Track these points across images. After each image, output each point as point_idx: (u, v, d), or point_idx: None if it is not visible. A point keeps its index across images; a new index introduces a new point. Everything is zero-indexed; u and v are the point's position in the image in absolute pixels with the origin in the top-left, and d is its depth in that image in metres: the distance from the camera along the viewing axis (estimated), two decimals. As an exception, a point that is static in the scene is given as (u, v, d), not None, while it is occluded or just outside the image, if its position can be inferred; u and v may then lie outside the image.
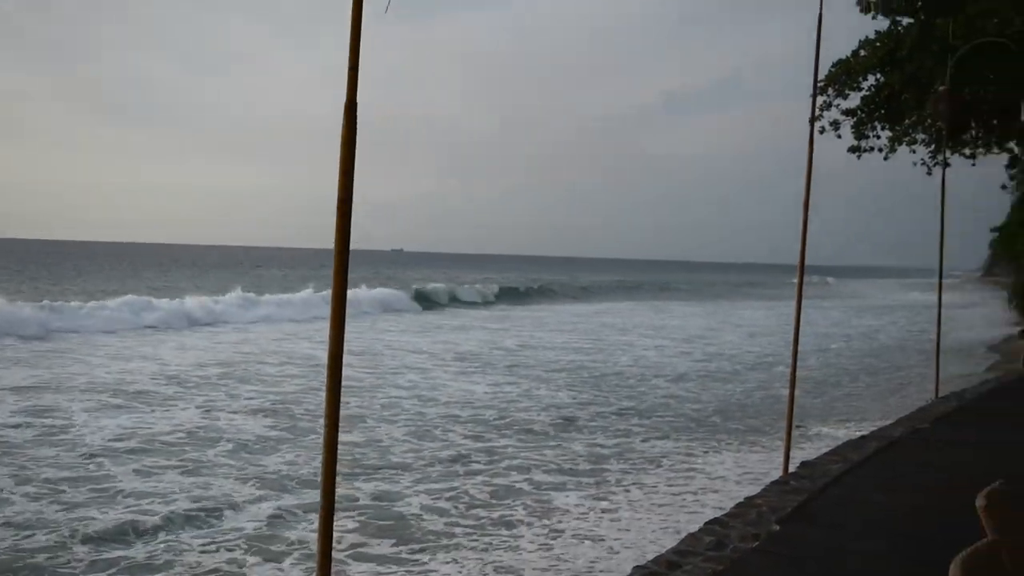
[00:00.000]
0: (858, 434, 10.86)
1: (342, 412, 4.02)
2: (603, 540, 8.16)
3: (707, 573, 5.31)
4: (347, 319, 3.99)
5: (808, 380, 19.58)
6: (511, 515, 9.02)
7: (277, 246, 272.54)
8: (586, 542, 8.10)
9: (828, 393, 18.44)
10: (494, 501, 9.54)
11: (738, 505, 6.82)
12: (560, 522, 8.75)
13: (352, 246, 3.84)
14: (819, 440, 12.34)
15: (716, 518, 6.46)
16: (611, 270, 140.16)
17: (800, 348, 9.14)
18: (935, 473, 8.17)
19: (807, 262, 8.59)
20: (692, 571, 5.36)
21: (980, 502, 2.97)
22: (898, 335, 35.23)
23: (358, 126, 3.88)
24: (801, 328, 9.04)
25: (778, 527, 6.22)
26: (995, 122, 26.96)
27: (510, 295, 56.57)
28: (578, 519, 8.85)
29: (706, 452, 12.13)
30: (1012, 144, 28.68)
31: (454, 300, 49.76)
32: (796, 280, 8.82)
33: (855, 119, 29.09)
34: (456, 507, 9.29)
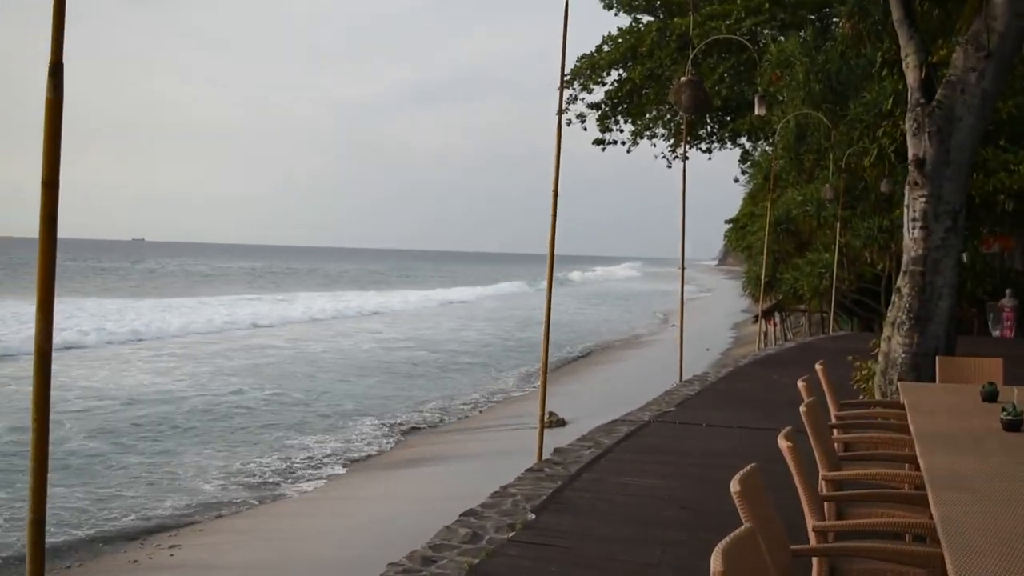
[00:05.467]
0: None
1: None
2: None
3: (462, 566, 5.15)
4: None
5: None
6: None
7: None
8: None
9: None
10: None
11: (493, 495, 6.71)
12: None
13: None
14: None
15: (471, 509, 6.30)
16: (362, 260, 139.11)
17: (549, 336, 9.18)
18: (680, 455, 8.43)
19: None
20: (447, 565, 5.18)
21: (735, 487, 2.94)
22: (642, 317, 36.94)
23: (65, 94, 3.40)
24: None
25: (534, 516, 6.17)
26: (728, 118, 28.72)
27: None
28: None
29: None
30: (743, 139, 30.69)
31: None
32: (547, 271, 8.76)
33: (600, 112, 30.18)
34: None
